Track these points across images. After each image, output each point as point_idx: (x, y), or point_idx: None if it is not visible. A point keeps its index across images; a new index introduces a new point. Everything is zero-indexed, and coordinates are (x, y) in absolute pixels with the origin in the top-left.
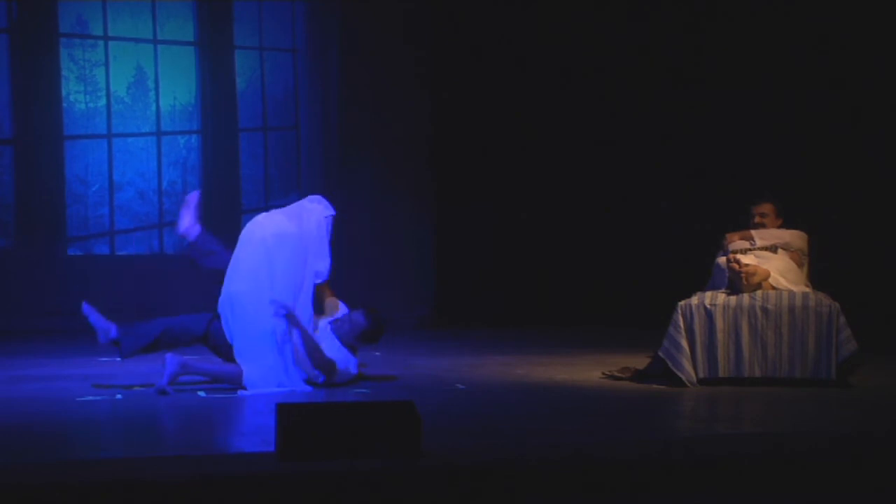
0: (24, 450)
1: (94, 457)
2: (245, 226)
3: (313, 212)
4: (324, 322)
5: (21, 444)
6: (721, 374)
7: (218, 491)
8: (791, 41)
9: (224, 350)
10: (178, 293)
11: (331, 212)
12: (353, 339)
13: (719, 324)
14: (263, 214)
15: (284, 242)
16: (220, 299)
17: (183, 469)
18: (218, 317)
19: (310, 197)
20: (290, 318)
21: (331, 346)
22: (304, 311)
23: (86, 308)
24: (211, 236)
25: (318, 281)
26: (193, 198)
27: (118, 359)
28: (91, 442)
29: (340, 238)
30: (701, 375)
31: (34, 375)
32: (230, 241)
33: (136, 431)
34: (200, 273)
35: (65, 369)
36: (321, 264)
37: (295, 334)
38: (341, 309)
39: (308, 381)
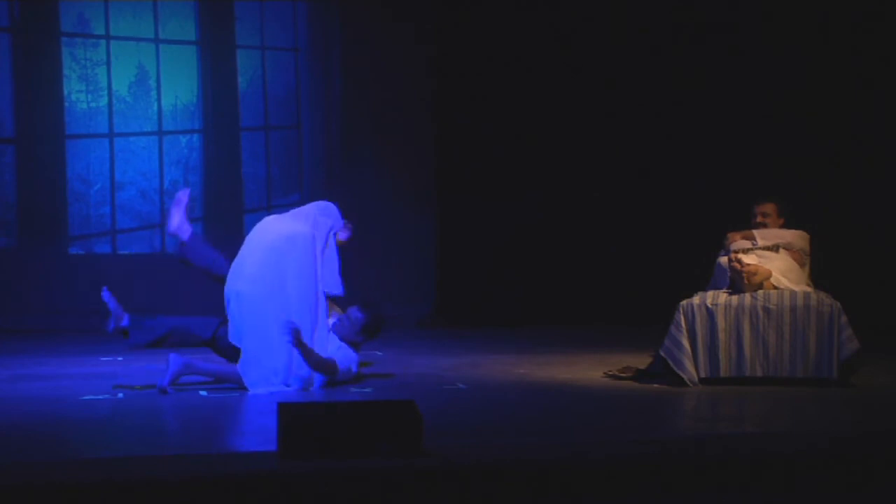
0: (24, 450)
1: (94, 457)
2: (252, 226)
3: (323, 224)
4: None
5: (21, 444)
6: (722, 373)
7: (219, 490)
8: (790, 41)
9: (231, 353)
10: (179, 292)
11: (340, 224)
12: (355, 336)
13: (721, 323)
14: (273, 217)
15: (296, 243)
16: (225, 297)
17: (183, 469)
18: (226, 321)
19: (320, 205)
20: (296, 338)
21: (332, 347)
22: (322, 315)
23: (105, 294)
24: (201, 237)
25: (333, 293)
26: (184, 196)
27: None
28: (91, 442)
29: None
30: (702, 375)
31: (35, 374)
32: (231, 240)
33: (136, 431)
34: (192, 272)
35: (66, 368)
36: (333, 280)
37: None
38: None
39: (307, 386)
